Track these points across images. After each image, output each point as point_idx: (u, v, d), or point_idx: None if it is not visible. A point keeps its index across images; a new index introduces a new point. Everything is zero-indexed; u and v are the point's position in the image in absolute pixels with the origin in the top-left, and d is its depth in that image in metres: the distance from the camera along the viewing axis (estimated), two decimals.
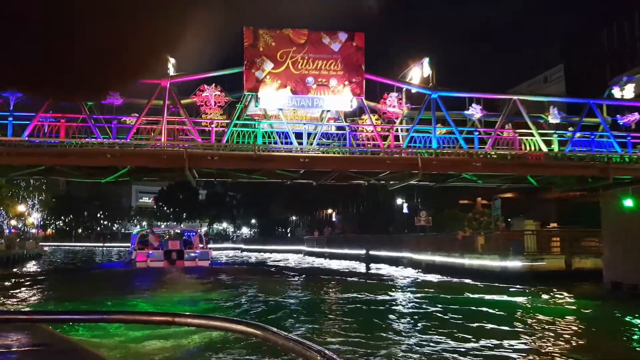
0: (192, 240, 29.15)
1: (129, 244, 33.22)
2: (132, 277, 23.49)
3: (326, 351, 1.25)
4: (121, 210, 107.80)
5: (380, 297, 16.74)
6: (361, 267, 32.84)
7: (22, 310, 11.07)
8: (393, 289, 19.71)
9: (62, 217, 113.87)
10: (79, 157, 21.40)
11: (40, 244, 71.36)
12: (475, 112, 23.00)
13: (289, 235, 63.56)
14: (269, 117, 23.10)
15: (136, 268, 25.90)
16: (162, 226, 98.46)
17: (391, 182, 26.49)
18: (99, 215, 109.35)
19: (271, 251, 57.42)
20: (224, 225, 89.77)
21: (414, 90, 23.65)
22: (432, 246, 26.12)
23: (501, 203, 22.37)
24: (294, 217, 61.49)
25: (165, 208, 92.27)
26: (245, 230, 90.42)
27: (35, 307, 14.51)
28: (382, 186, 35.50)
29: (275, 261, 42.04)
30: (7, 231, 49.48)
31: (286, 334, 1.36)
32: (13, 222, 65.39)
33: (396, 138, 23.49)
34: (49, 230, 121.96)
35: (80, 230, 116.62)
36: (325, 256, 41.49)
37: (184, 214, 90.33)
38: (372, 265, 33.38)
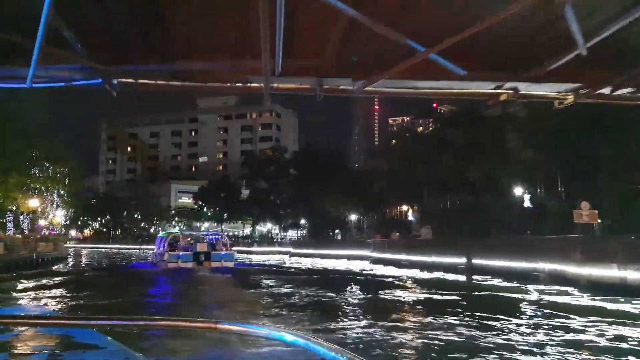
0: (218, 243, 32.22)
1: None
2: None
3: None
4: (160, 210, 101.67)
5: None
6: (458, 278, 23.75)
7: (69, 315, 10.34)
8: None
9: (99, 218, 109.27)
10: None
11: (65, 245, 65.53)
12: None
13: (346, 236, 54.02)
14: None
15: (167, 268, 28.11)
16: (202, 227, 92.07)
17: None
18: (136, 215, 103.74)
19: (326, 256, 48.30)
20: (268, 226, 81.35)
21: None
22: (624, 255, 16.01)
23: None
24: (353, 217, 51.89)
25: (205, 208, 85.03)
26: (291, 233, 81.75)
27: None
28: (487, 171, 25.65)
29: (341, 270, 32.78)
30: (25, 230, 42.48)
31: (330, 344, 1.31)
32: (42, 222, 59.14)
33: None
34: (87, 232, 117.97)
35: (118, 232, 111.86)
36: (402, 264, 31.82)
37: (225, 214, 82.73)
38: (477, 277, 23.94)
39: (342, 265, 37.85)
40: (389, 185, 37.92)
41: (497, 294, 18.53)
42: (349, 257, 44.50)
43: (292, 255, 56.61)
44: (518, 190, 27.41)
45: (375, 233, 42.53)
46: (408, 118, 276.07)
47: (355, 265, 36.79)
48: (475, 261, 26.20)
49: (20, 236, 38.79)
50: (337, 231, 57.59)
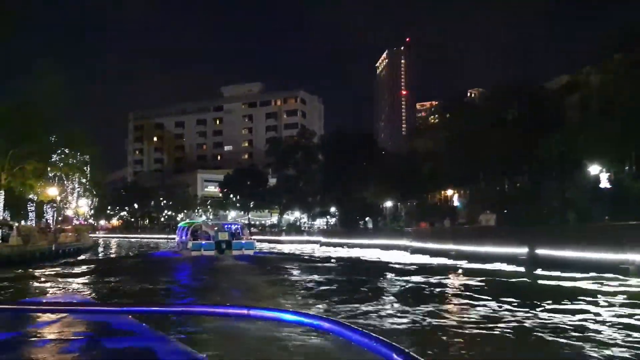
0: (239, 232, 33.52)
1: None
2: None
3: (403, 348, 1.20)
4: (186, 199, 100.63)
5: None
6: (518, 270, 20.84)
7: (105, 302, 10.61)
8: None
9: (127, 208, 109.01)
10: None
11: (91, 235, 64.42)
12: None
13: (380, 224, 50.75)
14: None
15: (191, 257, 28.73)
16: (229, 216, 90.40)
17: None
18: (162, 204, 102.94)
19: (358, 246, 45.40)
20: (296, 214, 78.73)
21: None
22: None
23: None
24: (388, 204, 48.46)
25: (231, 197, 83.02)
26: (319, 222, 78.97)
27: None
28: (555, 148, 22.08)
29: (377, 261, 30.36)
30: (43, 220, 40.85)
31: (361, 329, 1.33)
32: (69, 212, 57.99)
33: None
34: (116, 222, 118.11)
35: (147, 222, 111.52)
36: (449, 255, 28.53)
37: (251, 203, 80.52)
38: (542, 270, 20.72)
39: (377, 255, 35.74)
40: (434, 167, 34.40)
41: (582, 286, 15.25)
42: (384, 247, 41.76)
43: (322, 244, 54.01)
44: (593, 169, 23.64)
45: (417, 221, 39.09)
46: (437, 102, 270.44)
47: (391, 256, 34.29)
48: (540, 251, 22.78)
49: (36, 226, 37.24)
50: (367, 219, 54.43)
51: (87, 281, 19.96)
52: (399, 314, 11.84)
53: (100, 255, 42.27)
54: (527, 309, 11.85)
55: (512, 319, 11.05)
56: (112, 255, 42.38)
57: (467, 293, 15.71)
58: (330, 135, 61.39)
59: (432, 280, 19.13)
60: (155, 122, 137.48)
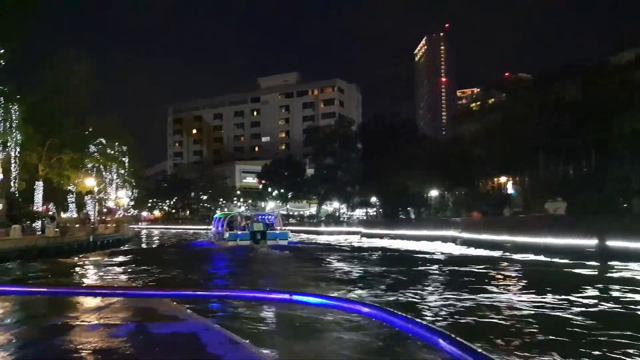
0: (272, 223, 34.47)
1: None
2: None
3: (449, 333, 1.19)
4: (225, 191, 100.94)
5: None
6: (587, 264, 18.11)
7: (150, 287, 10.28)
8: None
9: (168, 200, 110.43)
10: None
11: (132, 227, 64.85)
12: None
13: (423, 215, 48.39)
14: None
15: (227, 246, 29.59)
16: (267, 207, 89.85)
17: None
18: (201, 196, 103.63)
19: (401, 237, 43.31)
20: (335, 205, 77.06)
21: None
22: None
23: None
24: (434, 193, 45.91)
25: (269, 188, 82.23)
26: (358, 212, 77.02)
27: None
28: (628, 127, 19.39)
29: (423, 251, 28.33)
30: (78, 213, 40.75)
31: (405, 315, 1.32)
32: (110, 204, 58.44)
33: None
34: (157, 213, 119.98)
35: (187, 213, 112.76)
36: (505, 247, 26.09)
37: (289, 194, 79.42)
38: (616, 264, 18.22)
39: (422, 246, 33.71)
40: (484, 153, 31.77)
41: None
42: (430, 238, 39.55)
43: (362, 235, 52.18)
44: None
45: (467, 210, 36.48)
46: (478, 89, 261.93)
47: (438, 247, 32.51)
48: (612, 243, 20.20)
49: (75, 218, 37.07)
50: (410, 209, 52.10)
51: (126, 269, 20.05)
52: (451, 306, 10.80)
53: (141, 245, 42.45)
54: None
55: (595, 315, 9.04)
56: (153, 246, 43.05)
57: (529, 286, 14.03)
58: (370, 122, 59.14)
59: (487, 272, 17.49)
60: (194, 114, 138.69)
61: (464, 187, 40.03)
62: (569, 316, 9.61)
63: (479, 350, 1.12)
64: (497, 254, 25.08)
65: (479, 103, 45.85)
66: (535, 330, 8.52)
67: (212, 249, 31.10)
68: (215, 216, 39.71)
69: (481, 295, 12.14)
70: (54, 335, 3.07)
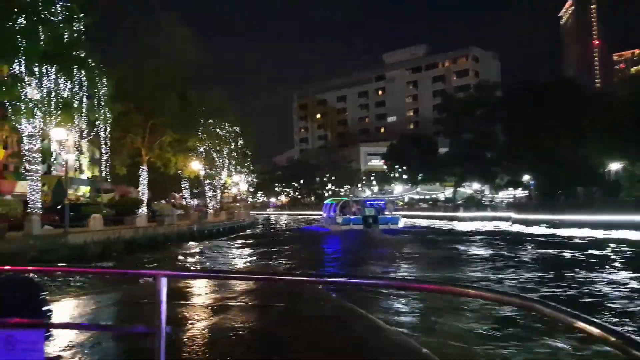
0: (384, 208, 36.06)
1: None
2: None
3: (612, 327, 1.16)
4: (350, 174, 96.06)
5: None
6: None
7: (296, 272, 11.00)
8: None
9: (295, 184, 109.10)
10: None
11: (257, 213, 62.61)
12: None
13: (596, 195, 37.45)
14: None
15: (340, 230, 30.88)
16: (395, 191, 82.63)
17: None
18: (326, 180, 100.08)
19: (566, 224, 33.55)
20: (475, 187, 66.93)
21: None
22: None
23: None
24: (614, 167, 34.78)
25: (397, 168, 74.79)
26: (502, 195, 65.93)
27: None
28: None
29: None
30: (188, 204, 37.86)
31: (555, 304, 1.30)
32: (232, 190, 56.33)
33: None
34: (284, 199, 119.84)
35: (312, 198, 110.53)
36: None
37: (419, 175, 71.15)
38: None
39: (602, 235, 26.81)
40: None
41: None
42: (609, 226, 29.78)
43: (514, 222, 42.63)
44: None
45: None
46: (638, 50, 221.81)
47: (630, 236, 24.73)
48: None
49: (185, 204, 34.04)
50: (579, 188, 41.05)
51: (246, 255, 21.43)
52: None
53: (258, 231, 41.68)
54: None
55: None
56: (272, 230, 43.76)
57: None
58: (518, 86, 48.34)
59: None
60: (318, 98, 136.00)
61: None
62: None
63: None
64: None
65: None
66: None
67: (325, 233, 31.68)
68: (325, 202, 40.53)
69: None
70: (219, 313, 3.83)
